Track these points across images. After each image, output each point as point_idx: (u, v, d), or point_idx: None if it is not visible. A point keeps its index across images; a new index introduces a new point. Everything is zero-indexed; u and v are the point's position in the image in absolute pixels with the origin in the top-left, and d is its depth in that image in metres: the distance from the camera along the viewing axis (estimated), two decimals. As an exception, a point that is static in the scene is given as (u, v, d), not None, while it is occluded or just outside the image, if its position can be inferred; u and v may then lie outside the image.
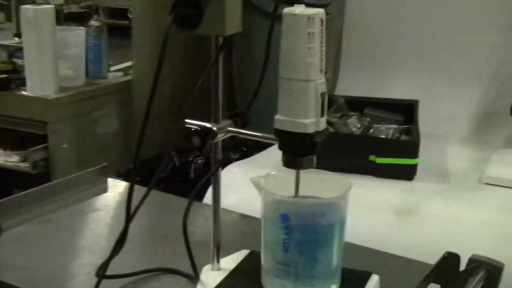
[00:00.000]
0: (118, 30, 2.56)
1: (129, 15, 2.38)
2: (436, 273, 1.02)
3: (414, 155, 1.47)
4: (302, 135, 0.89)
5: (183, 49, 2.02)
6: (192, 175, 1.89)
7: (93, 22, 2.27)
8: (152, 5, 2.11)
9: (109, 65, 2.30)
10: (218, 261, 1.03)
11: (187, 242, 0.98)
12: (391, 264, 1.10)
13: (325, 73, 0.95)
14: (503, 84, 1.85)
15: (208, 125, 0.96)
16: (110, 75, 2.27)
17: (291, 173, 0.95)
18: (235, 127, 1.00)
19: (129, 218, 0.89)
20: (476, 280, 1.01)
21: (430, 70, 1.92)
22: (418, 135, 1.51)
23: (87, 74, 2.21)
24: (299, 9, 0.87)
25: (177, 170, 1.94)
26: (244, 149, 1.91)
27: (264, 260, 0.96)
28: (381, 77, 1.98)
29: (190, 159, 1.94)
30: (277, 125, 0.91)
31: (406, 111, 1.78)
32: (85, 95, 2.09)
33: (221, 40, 0.94)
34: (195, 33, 0.91)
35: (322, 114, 0.91)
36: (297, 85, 0.88)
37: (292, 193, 0.94)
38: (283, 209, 0.92)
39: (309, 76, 0.88)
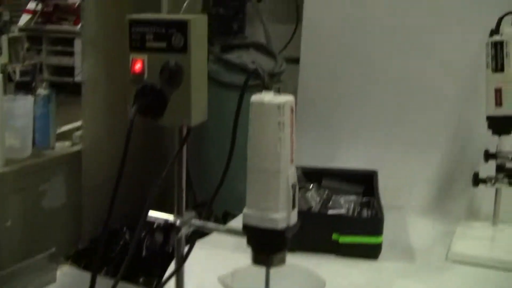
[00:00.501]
0: (63, 87, 2.49)
1: (77, 78, 2.31)
2: None
3: (379, 232, 1.42)
4: (272, 232, 0.84)
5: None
6: (144, 253, 1.80)
7: (41, 91, 2.19)
8: (104, 66, 2.04)
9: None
10: None
11: None
12: None
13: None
14: (461, 151, 1.83)
15: (171, 218, 0.90)
16: (58, 145, 2.18)
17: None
18: (199, 218, 0.93)
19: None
20: None
21: (386, 138, 1.90)
22: (381, 213, 1.46)
23: (33, 144, 2.12)
24: (267, 97, 0.82)
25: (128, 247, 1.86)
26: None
27: None
28: (337, 147, 1.94)
29: (142, 235, 1.86)
30: (245, 220, 0.85)
31: (365, 181, 1.74)
32: (32, 168, 2.00)
33: (185, 130, 0.89)
34: (159, 123, 0.85)
35: (294, 206, 0.85)
36: (266, 177, 0.83)
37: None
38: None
39: (279, 168, 0.83)
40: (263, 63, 1.72)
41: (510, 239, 1.54)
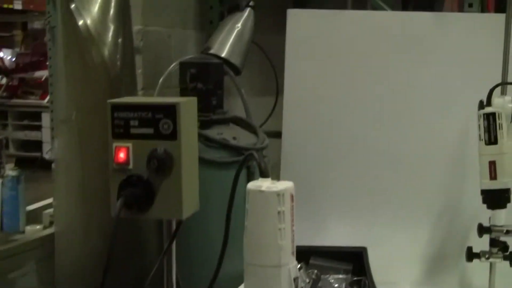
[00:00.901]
0: (30, 162, 2.40)
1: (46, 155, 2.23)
2: None
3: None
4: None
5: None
6: None
7: (9, 172, 2.10)
8: (77, 146, 1.96)
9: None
10: None
11: None
12: None
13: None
14: (450, 224, 1.78)
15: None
16: (28, 228, 2.08)
17: None
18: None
19: None
20: None
21: (373, 215, 1.84)
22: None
23: (1, 229, 2.02)
24: (265, 184, 0.76)
25: None
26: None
27: None
28: (323, 224, 1.88)
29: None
30: None
31: (354, 258, 1.68)
32: (0, 255, 1.90)
33: (175, 223, 0.82)
34: (146, 217, 0.78)
35: (298, 299, 0.79)
36: (266, 272, 0.77)
37: None
38: None
39: (280, 261, 0.77)
40: (245, 138, 1.67)
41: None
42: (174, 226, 0.83)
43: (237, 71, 1.80)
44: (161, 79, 1.66)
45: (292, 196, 0.77)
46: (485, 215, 1.51)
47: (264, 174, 0.77)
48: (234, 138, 1.60)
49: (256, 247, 0.76)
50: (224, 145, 1.56)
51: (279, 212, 0.75)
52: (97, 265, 1.63)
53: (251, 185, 0.76)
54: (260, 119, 1.98)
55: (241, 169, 0.81)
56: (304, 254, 1.69)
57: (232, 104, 1.94)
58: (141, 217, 0.77)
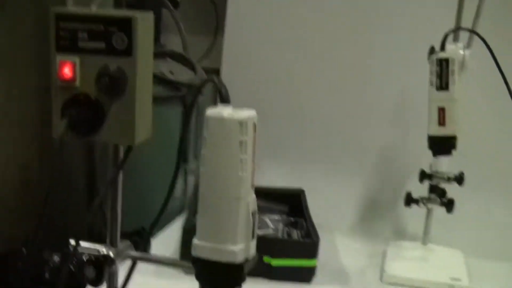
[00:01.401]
0: None
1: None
2: None
3: (313, 255, 1.33)
4: (229, 266, 0.72)
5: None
6: (47, 276, 1.62)
7: None
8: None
9: None
10: None
11: None
12: None
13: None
14: (388, 171, 1.78)
15: (103, 250, 0.76)
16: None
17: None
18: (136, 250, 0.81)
19: None
20: None
21: (311, 157, 1.82)
22: (317, 235, 1.37)
23: None
24: (226, 111, 0.71)
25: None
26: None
27: None
28: (258, 165, 1.84)
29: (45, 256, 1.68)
30: (196, 253, 0.73)
31: (290, 200, 1.65)
32: None
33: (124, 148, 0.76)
34: (94, 140, 0.72)
35: (253, 237, 0.75)
36: (224, 205, 0.72)
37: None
38: None
39: (239, 194, 0.72)
40: (182, 73, 1.60)
41: (441, 259, 1.50)
42: (121, 154, 0.77)
43: (175, 3, 1.71)
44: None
45: (255, 126, 0.72)
46: (421, 163, 1.50)
47: (225, 100, 0.71)
48: (171, 73, 1.54)
49: (214, 178, 0.71)
50: (161, 79, 1.50)
51: (241, 142, 0.70)
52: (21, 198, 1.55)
53: (211, 112, 0.70)
54: (197, 57, 1.91)
55: (197, 96, 0.74)
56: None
57: (169, 39, 1.85)
58: (87, 139, 0.70)
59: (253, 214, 0.73)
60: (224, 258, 0.72)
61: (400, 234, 1.68)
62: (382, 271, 1.41)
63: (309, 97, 1.84)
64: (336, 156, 1.81)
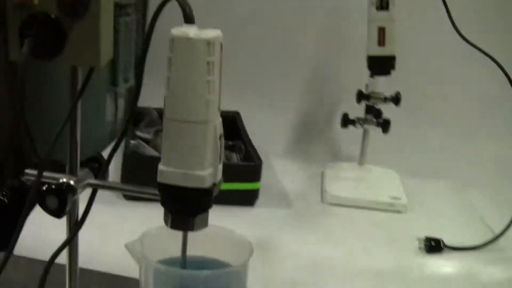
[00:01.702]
0: None
1: None
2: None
3: (256, 179, 1.34)
4: (197, 191, 0.71)
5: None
6: (6, 200, 1.56)
7: None
8: None
9: None
10: None
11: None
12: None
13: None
14: (321, 93, 1.79)
15: (63, 178, 0.74)
16: None
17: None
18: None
19: None
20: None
21: (244, 79, 1.80)
22: (259, 158, 1.37)
23: None
24: (192, 31, 0.68)
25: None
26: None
27: None
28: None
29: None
30: (162, 179, 0.71)
31: (226, 123, 1.63)
32: None
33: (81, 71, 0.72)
34: (54, 63, 0.68)
35: (220, 161, 0.73)
36: (191, 129, 0.69)
37: (175, 252, 0.76)
38: (179, 284, 0.73)
39: (207, 117, 0.70)
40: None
41: (379, 179, 1.54)
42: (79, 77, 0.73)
43: None
44: None
45: (221, 46, 0.69)
46: (356, 84, 1.51)
47: (189, 20, 0.68)
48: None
49: (180, 101, 0.68)
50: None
51: (208, 63, 0.67)
52: None
53: (176, 31, 0.67)
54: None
55: (157, 16, 0.71)
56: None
57: None
58: (47, 62, 0.66)
59: (220, 137, 0.72)
60: (192, 183, 0.70)
61: (336, 155, 1.71)
62: (323, 192, 1.44)
63: (242, 18, 1.81)
64: (270, 78, 1.80)
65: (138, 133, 1.57)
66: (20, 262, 0.96)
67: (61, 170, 0.75)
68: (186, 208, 0.72)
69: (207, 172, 0.71)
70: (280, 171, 1.57)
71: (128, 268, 0.87)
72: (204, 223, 0.74)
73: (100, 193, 0.76)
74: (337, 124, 1.62)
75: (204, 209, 0.73)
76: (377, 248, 1.21)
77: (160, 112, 1.62)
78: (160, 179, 0.71)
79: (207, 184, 0.71)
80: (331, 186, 1.45)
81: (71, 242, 0.76)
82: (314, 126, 1.77)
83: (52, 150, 0.72)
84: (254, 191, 1.35)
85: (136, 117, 1.60)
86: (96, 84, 0.76)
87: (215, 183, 0.73)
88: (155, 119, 1.63)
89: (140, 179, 0.76)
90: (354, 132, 1.57)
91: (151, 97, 1.66)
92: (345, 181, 1.51)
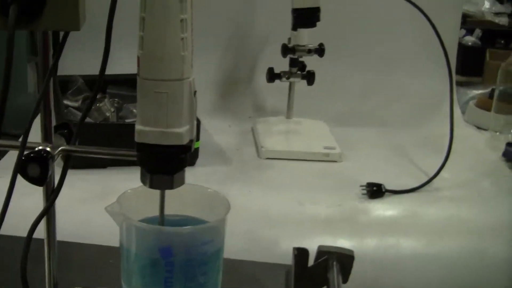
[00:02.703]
0: None
1: None
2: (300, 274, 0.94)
3: (196, 137, 1.34)
4: (175, 148, 0.72)
5: None
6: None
7: None
8: None
9: None
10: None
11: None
12: (240, 271, 0.98)
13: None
14: (241, 49, 1.80)
15: (40, 146, 0.73)
16: None
17: (146, 188, 0.77)
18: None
19: None
20: (335, 273, 0.95)
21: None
22: (197, 118, 1.38)
23: None
24: (163, -11, 0.68)
25: None
26: None
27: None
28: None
29: None
30: (140, 139, 0.71)
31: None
32: None
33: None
34: (34, 30, 0.66)
35: (195, 117, 0.74)
36: (167, 87, 0.70)
37: (153, 212, 0.77)
38: (163, 242, 0.74)
39: (182, 74, 0.70)
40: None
41: (309, 130, 1.58)
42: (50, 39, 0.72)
43: None
44: None
45: (192, 4, 0.70)
46: (277, 38, 1.54)
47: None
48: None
49: (156, 60, 0.69)
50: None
51: (181, 20, 0.68)
52: None
53: (147, -10, 0.67)
54: None
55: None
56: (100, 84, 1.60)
57: None
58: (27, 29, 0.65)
59: (194, 94, 0.73)
60: (170, 141, 0.71)
61: (263, 110, 1.73)
62: (258, 147, 1.46)
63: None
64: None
65: (66, 101, 1.54)
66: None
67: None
68: (165, 166, 0.73)
69: (184, 129, 0.72)
70: (212, 129, 1.58)
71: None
72: (182, 181, 0.75)
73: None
74: (260, 79, 1.64)
75: (182, 166, 0.74)
76: (322, 197, 1.25)
77: (87, 79, 1.60)
78: (138, 139, 0.71)
79: (185, 140, 0.72)
80: (265, 141, 1.48)
81: (48, 211, 0.75)
82: (239, 83, 1.79)
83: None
84: (194, 151, 1.35)
85: (62, 86, 1.57)
86: (16, 54, 0.74)
87: (191, 140, 0.74)
88: (81, 86, 1.60)
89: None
90: (278, 86, 1.60)
91: (76, 64, 1.64)
92: (277, 135, 1.54)
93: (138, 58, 0.70)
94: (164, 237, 0.74)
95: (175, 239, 0.74)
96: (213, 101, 1.74)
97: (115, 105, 1.54)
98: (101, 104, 1.49)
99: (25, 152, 0.70)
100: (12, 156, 1.27)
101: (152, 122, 0.71)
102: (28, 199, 0.83)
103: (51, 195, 0.75)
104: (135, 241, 0.75)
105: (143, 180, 0.74)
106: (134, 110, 1.55)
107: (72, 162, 0.76)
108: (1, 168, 1.20)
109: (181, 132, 0.71)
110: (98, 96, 1.53)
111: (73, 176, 1.13)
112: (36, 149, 0.71)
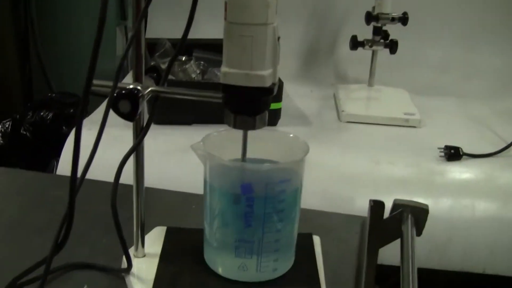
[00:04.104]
0: None
1: None
2: (375, 225, 0.97)
3: (279, 99, 1.39)
4: (259, 90, 0.76)
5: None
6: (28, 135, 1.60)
7: None
8: None
9: None
10: (143, 246, 0.86)
11: (119, 228, 0.79)
12: (315, 220, 1.02)
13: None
14: (324, 17, 1.82)
15: (131, 85, 0.78)
16: None
17: (229, 132, 0.82)
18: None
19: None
20: (409, 226, 0.97)
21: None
22: (280, 79, 1.42)
23: None
24: None
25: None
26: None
27: (215, 239, 0.82)
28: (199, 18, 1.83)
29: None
30: (225, 80, 0.76)
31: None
32: None
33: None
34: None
35: (278, 62, 0.78)
36: (252, 31, 0.74)
37: (234, 155, 0.81)
38: (244, 178, 0.78)
39: (267, 19, 0.74)
40: None
41: (390, 98, 1.60)
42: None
43: None
44: None
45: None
46: (359, 7, 1.55)
47: None
48: None
49: (242, 5, 0.73)
50: None
51: (268, -33, 0.72)
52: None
53: None
54: None
55: None
56: (186, 47, 1.66)
57: None
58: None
59: (278, 39, 0.76)
60: (254, 83, 0.75)
61: (343, 78, 1.76)
62: (339, 111, 1.49)
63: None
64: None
65: (153, 63, 1.60)
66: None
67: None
68: (248, 107, 0.77)
69: (267, 72, 0.75)
70: (294, 94, 1.61)
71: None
72: (264, 122, 0.79)
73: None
74: (343, 48, 1.66)
75: (264, 108, 0.78)
76: (400, 159, 1.27)
77: (174, 43, 1.66)
78: (223, 80, 0.76)
79: (268, 83, 0.76)
80: (346, 105, 1.51)
81: (138, 147, 0.81)
82: (321, 51, 1.81)
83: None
84: (276, 111, 1.40)
85: (150, 48, 1.63)
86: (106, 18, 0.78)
87: (274, 83, 0.77)
88: (168, 49, 1.66)
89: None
90: (360, 55, 1.62)
91: (162, 28, 1.70)
92: (358, 100, 1.56)
93: (225, 3, 0.74)
94: (245, 174, 0.79)
95: (255, 176, 0.78)
96: (296, 68, 1.78)
97: (201, 67, 1.60)
98: (187, 66, 1.55)
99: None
100: (100, 113, 1.35)
101: (237, 65, 0.75)
102: (114, 149, 0.88)
103: (141, 132, 0.80)
104: (218, 178, 0.80)
105: (227, 121, 0.78)
106: (219, 74, 1.60)
107: (159, 117, 0.80)
108: (91, 122, 1.28)
109: (264, 74, 0.75)
110: (184, 59, 1.59)
111: (157, 130, 1.21)
112: (128, 87, 0.77)
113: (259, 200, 0.77)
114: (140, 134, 0.81)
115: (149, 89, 0.80)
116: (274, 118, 1.40)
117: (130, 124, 0.80)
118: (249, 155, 0.81)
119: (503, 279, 1.14)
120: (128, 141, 0.80)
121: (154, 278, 0.81)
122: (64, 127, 1.60)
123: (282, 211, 0.79)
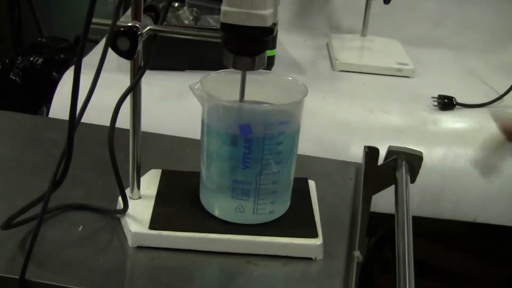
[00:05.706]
0: None
1: None
2: (370, 171, 0.97)
3: (272, 46, 1.37)
4: (259, 30, 0.74)
5: None
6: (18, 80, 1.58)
7: None
8: None
9: None
10: (138, 188, 0.86)
11: (115, 167, 0.78)
12: (311, 166, 1.02)
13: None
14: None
15: (129, 23, 0.77)
16: None
17: (228, 73, 0.81)
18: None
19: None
20: (403, 172, 0.97)
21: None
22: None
23: None
24: None
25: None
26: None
27: (212, 181, 0.81)
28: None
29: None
30: (226, 19, 0.75)
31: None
32: None
33: None
34: None
35: (278, 2, 0.77)
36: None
37: (233, 96, 0.80)
38: (243, 119, 0.77)
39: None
40: None
41: (383, 47, 1.59)
42: None
43: None
44: None
45: None
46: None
47: None
48: None
49: None
50: None
51: None
52: None
53: None
54: None
55: None
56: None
57: None
58: None
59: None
60: (254, 22, 0.74)
61: (336, 28, 1.74)
62: (332, 60, 1.48)
63: None
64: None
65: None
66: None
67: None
68: (248, 47, 0.76)
69: (268, 11, 0.74)
70: (287, 43, 1.60)
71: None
72: (263, 63, 0.78)
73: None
74: (337, -2, 1.65)
75: (264, 48, 0.77)
76: (394, 107, 1.27)
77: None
78: (223, 19, 0.75)
79: (268, 23, 0.75)
80: (340, 54, 1.50)
81: (135, 88, 0.80)
82: (315, 1, 1.79)
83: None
84: (270, 58, 1.38)
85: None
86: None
87: (275, 23, 0.76)
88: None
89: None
90: (354, 5, 1.61)
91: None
92: (351, 50, 1.55)
93: None
94: (244, 115, 0.78)
95: (254, 116, 0.78)
96: (289, 17, 1.76)
97: (194, 14, 1.57)
98: (180, 12, 1.52)
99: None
100: (95, 55, 1.33)
101: (237, 3, 0.74)
102: (108, 93, 0.86)
103: (139, 71, 0.79)
104: (216, 118, 0.79)
105: (226, 61, 0.77)
106: (212, 21, 1.58)
107: (153, 62, 0.79)
108: (84, 66, 1.26)
109: (265, 14, 0.74)
110: (177, 5, 1.57)
111: (152, 76, 1.19)
112: (127, 25, 0.75)
113: (258, 141, 0.77)
114: (137, 74, 0.80)
115: (148, 27, 0.78)
116: (268, 66, 1.38)
117: (124, 69, 0.79)
118: (247, 97, 0.80)
119: (493, 228, 1.15)
120: (122, 86, 0.79)
121: (150, 218, 0.81)
122: (54, 73, 1.58)
123: (280, 153, 0.79)
